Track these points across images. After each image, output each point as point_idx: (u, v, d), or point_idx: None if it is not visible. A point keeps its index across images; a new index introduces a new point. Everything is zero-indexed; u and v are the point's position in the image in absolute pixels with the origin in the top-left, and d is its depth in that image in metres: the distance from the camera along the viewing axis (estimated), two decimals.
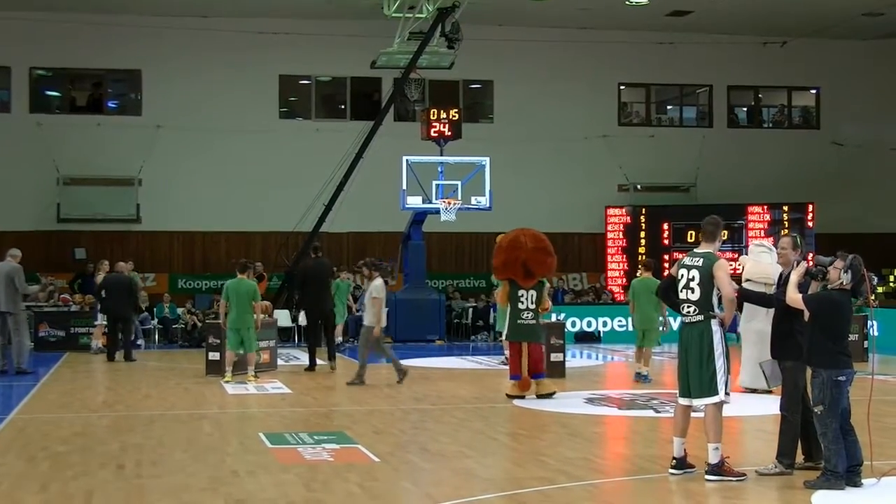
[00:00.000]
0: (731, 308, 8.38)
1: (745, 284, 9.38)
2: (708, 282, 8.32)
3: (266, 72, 29.22)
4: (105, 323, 21.05)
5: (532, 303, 13.89)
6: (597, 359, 21.79)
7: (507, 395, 13.93)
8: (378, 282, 15.75)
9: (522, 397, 13.73)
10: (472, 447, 10.10)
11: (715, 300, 8.37)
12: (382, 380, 16.47)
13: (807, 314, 8.15)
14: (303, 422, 11.88)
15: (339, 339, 21.55)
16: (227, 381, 15.55)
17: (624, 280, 29.34)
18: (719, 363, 8.33)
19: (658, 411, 12.57)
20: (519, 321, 13.88)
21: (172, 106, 28.55)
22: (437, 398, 14.11)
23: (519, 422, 12.24)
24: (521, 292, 13.88)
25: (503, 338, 14.87)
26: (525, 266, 13.83)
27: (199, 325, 23.97)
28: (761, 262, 13.58)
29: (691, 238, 28.29)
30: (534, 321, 13.99)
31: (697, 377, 8.35)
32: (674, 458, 8.51)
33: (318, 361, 17.90)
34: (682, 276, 8.47)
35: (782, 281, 8.71)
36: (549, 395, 13.77)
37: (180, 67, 28.75)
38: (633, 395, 14.30)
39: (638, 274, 16.56)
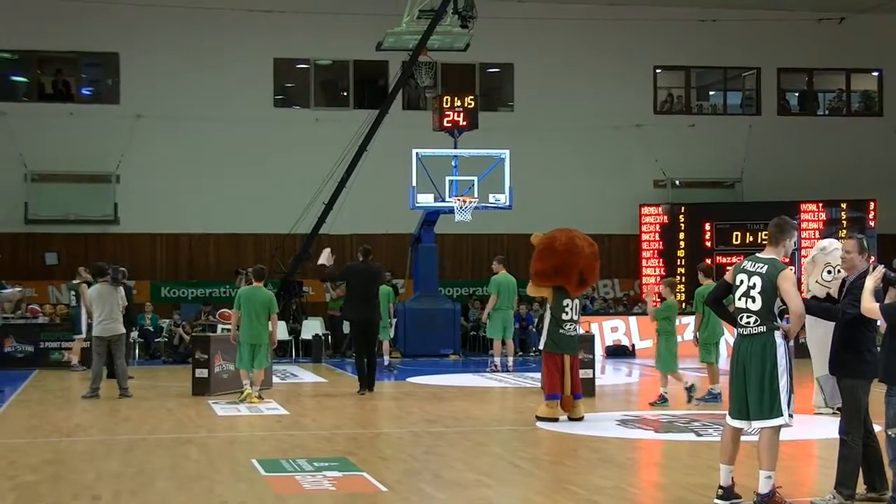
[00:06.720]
0: (798, 324, 8.31)
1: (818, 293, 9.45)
2: (771, 291, 8.25)
3: (259, 55, 29.26)
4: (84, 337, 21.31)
5: (576, 313, 13.86)
6: (630, 376, 21.73)
7: (537, 416, 13.71)
8: (96, 286, 17.22)
9: (556, 420, 13.52)
10: (491, 475, 10.08)
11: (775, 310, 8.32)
12: (388, 399, 16.45)
13: (883, 325, 8.09)
14: (301, 447, 11.87)
15: (386, 358, 20.98)
16: (252, 402, 15.46)
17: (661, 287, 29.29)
18: (783, 381, 8.26)
19: (700, 434, 12.54)
20: (561, 331, 13.77)
21: (153, 93, 28.60)
22: (452, 420, 14.09)
23: (543, 446, 12.21)
24: (566, 301, 13.77)
25: (540, 346, 14.57)
26: (581, 274, 13.74)
27: (185, 338, 24.00)
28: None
29: (736, 240, 28.31)
30: (575, 333, 13.98)
31: (758, 396, 8.27)
32: (720, 486, 8.46)
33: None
34: (742, 282, 8.38)
35: (846, 288, 8.65)
36: (580, 419, 13.72)
37: (162, 50, 28.78)
38: (672, 417, 14.25)
39: (701, 282, 16.26)
